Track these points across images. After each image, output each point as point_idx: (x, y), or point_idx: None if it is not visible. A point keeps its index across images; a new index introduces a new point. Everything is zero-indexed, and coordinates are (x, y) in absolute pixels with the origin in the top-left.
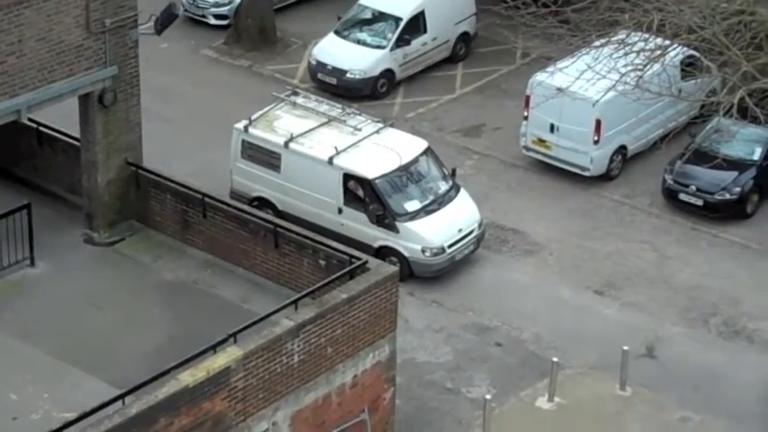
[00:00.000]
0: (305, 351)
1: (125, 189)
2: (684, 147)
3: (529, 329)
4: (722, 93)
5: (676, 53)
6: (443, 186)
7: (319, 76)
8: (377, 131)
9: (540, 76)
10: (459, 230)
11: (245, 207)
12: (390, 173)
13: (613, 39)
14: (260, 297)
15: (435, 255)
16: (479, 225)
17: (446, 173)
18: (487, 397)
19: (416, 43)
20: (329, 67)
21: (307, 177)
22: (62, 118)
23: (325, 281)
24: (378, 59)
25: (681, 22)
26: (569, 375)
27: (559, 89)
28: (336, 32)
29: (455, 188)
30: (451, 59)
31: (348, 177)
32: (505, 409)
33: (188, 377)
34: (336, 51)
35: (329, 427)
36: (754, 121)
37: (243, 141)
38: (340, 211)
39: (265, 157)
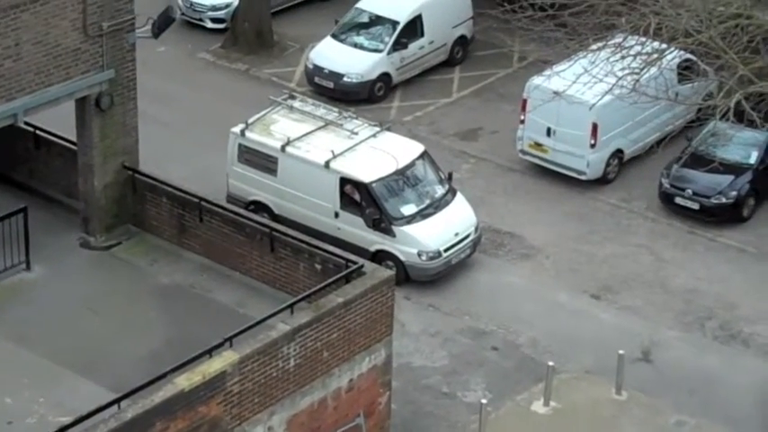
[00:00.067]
0: (301, 355)
1: (122, 193)
2: (681, 150)
3: (525, 333)
4: (719, 96)
5: (673, 57)
6: (440, 190)
7: (316, 79)
8: (374, 135)
9: (536, 80)
10: (456, 234)
11: (242, 211)
12: (387, 177)
13: (610, 42)
14: (256, 301)
15: (432, 259)
16: (476, 229)
17: (443, 177)
18: (483, 401)
19: (413, 47)
20: (326, 71)
21: (303, 181)
22: (59, 122)
23: (322, 285)
24: (375, 63)
25: (678, 26)
26: (565, 379)
27: (556, 93)
28: (333, 36)
29: (451, 192)
30: (448, 63)
31: (345, 181)
32: (501, 413)
33: (184, 381)
34: (333, 55)
35: None
36: (751, 124)
37: (239, 145)
38: (336, 214)
39: (262, 161)
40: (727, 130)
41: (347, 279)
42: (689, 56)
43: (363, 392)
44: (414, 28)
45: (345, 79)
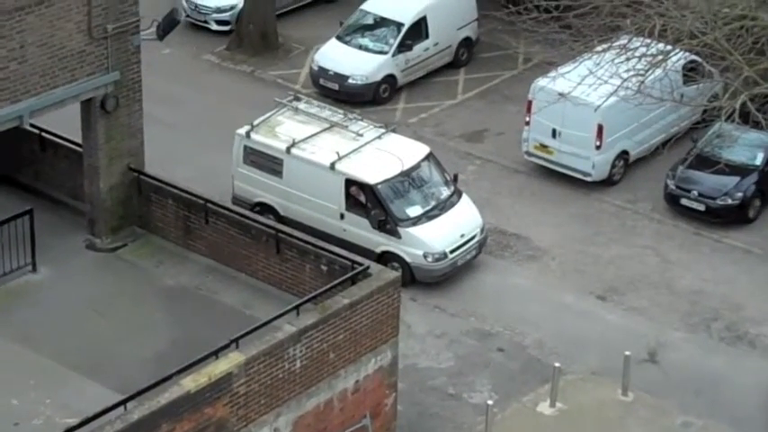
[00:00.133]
0: (307, 356)
1: (127, 195)
2: (686, 152)
3: (531, 335)
4: (724, 98)
5: (678, 58)
6: (445, 192)
7: (321, 81)
8: (379, 137)
9: (542, 82)
10: (462, 236)
11: (247, 213)
12: (392, 178)
13: (615, 44)
14: (262, 302)
15: (437, 260)
16: (481, 230)
17: (448, 178)
18: (489, 402)
19: (418, 48)
20: (331, 73)
21: (309, 183)
22: (64, 124)
23: (327, 286)
24: (380, 65)
25: (683, 28)
26: (571, 381)
27: (561, 94)
28: (338, 38)
29: (457, 193)
30: (453, 65)
31: (350, 183)
32: (507, 414)
33: (190, 383)
34: (338, 57)
35: None
36: (756, 125)
37: (245, 147)
38: (342, 216)
39: (267, 163)
40: (732, 132)
41: (353, 280)
42: (694, 57)
43: (369, 394)
44: (419, 30)
45: (350, 81)
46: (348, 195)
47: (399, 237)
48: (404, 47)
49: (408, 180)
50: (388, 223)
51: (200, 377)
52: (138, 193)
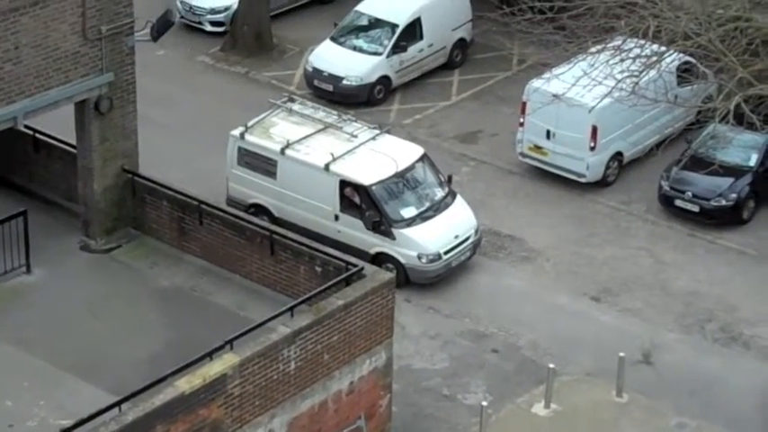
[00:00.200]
0: (301, 358)
1: (121, 196)
2: (681, 153)
3: (525, 336)
4: (718, 99)
5: (672, 59)
6: (440, 193)
7: (315, 82)
8: (373, 138)
9: (536, 83)
10: (456, 237)
11: (242, 214)
12: (387, 179)
13: (609, 45)
14: (256, 304)
15: (432, 261)
16: (476, 231)
17: (442, 179)
18: (484, 404)
19: (413, 50)
20: (325, 74)
21: (303, 184)
22: (58, 125)
23: (322, 287)
24: (374, 66)
25: (677, 29)
26: (566, 382)
27: (556, 96)
28: (333, 39)
29: (451, 195)
30: (448, 66)
31: (344, 184)
32: (502, 415)
33: (184, 384)
34: (333, 58)
35: None
36: (751, 127)
37: (239, 148)
38: (336, 217)
39: (262, 164)
40: (726, 133)
41: (347, 282)
42: (688, 58)
43: (364, 395)
44: (413, 31)
45: (345, 82)
46: (342, 196)
47: (394, 238)
48: (398, 48)
49: (403, 181)
50: (382, 224)
51: (195, 378)
52: (133, 194)
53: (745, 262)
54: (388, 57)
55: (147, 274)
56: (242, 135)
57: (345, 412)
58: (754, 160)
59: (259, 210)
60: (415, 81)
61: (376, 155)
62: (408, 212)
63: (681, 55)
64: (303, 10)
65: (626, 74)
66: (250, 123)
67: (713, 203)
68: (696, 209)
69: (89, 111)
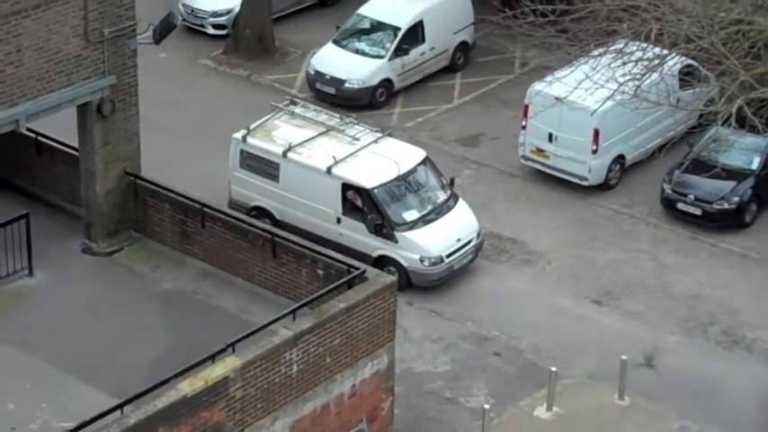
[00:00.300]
0: (303, 361)
1: (123, 199)
2: (683, 156)
3: (527, 339)
4: (720, 102)
5: (674, 62)
6: (442, 196)
7: (318, 85)
8: (375, 141)
9: (538, 86)
10: (458, 240)
11: (244, 217)
12: (389, 182)
13: (612, 48)
14: (258, 307)
15: (434, 264)
16: (478, 234)
17: (444, 182)
18: (486, 407)
19: (415, 53)
20: (328, 77)
21: (305, 187)
22: (60, 128)
23: (324, 290)
24: (376, 69)
25: (679, 32)
26: (568, 385)
27: (558, 99)
28: (335, 42)
29: (453, 198)
30: (450, 69)
31: (346, 187)
32: (504, 418)
33: (186, 387)
34: (335, 61)
35: None
36: (753, 130)
37: (241, 151)
38: (338, 220)
39: (264, 167)
40: (728, 136)
41: (349, 285)
42: (690, 62)
43: (366, 398)
44: (415, 34)
45: (347, 85)
46: (344, 199)
47: (396, 241)
48: (400, 51)
49: (405, 184)
50: (384, 227)
51: (197, 381)
52: (135, 197)
53: (748, 265)
54: (390, 60)
55: (150, 276)
56: (244, 138)
57: (347, 415)
58: (756, 163)
59: (261, 212)
60: (417, 84)
61: (378, 158)
62: (410, 215)
63: (683, 58)
64: (305, 13)
65: (628, 77)
66: (252, 126)
67: (715, 207)
68: (698, 212)
69: (91, 114)
